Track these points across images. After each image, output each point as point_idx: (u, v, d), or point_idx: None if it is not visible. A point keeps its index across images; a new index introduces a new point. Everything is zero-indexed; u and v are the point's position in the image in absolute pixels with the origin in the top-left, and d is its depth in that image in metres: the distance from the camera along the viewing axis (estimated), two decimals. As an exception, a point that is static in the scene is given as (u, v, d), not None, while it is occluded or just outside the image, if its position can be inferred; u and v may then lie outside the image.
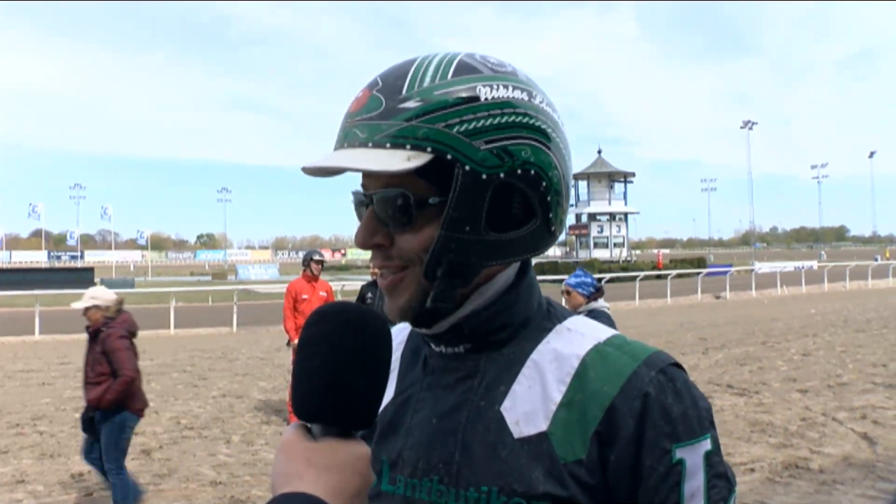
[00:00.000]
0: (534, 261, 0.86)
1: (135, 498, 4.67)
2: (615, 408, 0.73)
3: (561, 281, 4.93)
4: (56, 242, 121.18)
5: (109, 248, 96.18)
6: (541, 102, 0.79)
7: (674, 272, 32.74)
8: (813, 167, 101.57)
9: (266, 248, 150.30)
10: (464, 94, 0.74)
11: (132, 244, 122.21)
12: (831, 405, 7.60)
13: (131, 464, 5.76)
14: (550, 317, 0.84)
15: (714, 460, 0.74)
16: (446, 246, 0.75)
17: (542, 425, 0.75)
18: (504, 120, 0.75)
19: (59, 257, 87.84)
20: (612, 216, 56.07)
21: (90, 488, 5.38)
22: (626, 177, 57.31)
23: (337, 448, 0.63)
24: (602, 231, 55.85)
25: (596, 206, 55.88)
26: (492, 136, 0.74)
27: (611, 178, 56.51)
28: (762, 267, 39.76)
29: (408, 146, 0.73)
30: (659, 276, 33.63)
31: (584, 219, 55.49)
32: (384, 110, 0.74)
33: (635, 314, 20.32)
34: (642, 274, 31.49)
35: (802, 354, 11.34)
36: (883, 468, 5.44)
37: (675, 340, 13.54)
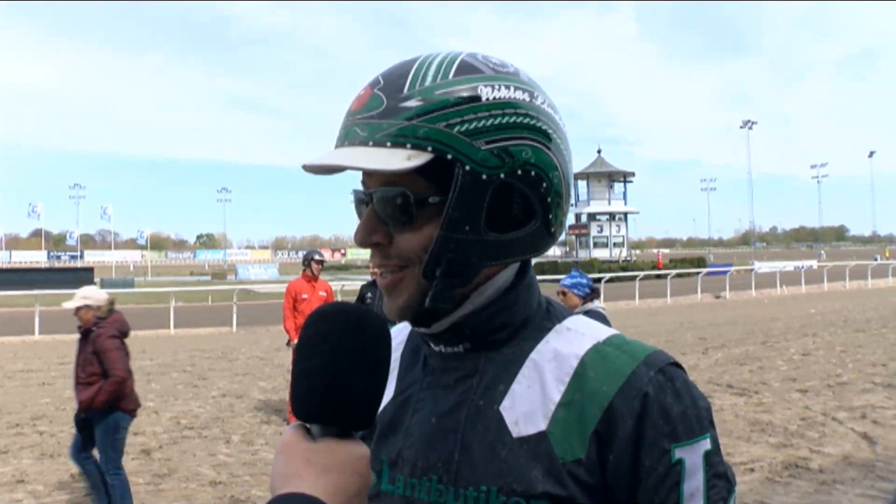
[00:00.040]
0: (533, 260, 0.86)
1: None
2: (614, 407, 0.73)
3: (560, 281, 4.94)
4: (56, 242, 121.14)
5: (109, 248, 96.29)
6: (542, 103, 0.79)
7: (674, 272, 32.76)
8: (813, 167, 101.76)
9: (266, 247, 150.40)
10: (465, 94, 0.74)
11: (132, 244, 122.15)
12: (831, 405, 7.60)
13: (131, 464, 5.77)
14: (550, 316, 0.84)
15: (714, 460, 0.73)
16: (446, 246, 0.75)
17: (541, 425, 0.75)
18: (505, 120, 0.75)
19: (58, 257, 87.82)
20: (612, 216, 56.06)
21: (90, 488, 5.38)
22: (625, 176, 57.29)
23: (336, 448, 0.63)
24: (602, 231, 55.83)
25: (596, 206, 55.86)
26: (493, 136, 0.74)
27: (611, 177, 56.50)
28: (762, 267, 39.78)
29: (408, 145, 0.73)
30: (659, 276, 33.61)
31: (584, 218, 55.47)
32: (385, 109, 0.74)
33: (635, 314, 20.33)
34: (642, 274, 31.51)
35: (802, 354, 11.34)
36: (883, 468, 5.44)
37: (674, 340, 13.55)
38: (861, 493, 4.91)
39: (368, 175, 0.79)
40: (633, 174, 58.25)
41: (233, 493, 5.23)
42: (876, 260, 46.84)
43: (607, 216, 55.98)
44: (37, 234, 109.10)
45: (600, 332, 0.81)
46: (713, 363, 10.69)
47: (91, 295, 4.75)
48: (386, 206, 0.76)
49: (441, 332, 0.82)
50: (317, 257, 7.60)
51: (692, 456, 0.72)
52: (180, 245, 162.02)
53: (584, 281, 4.75)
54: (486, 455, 0.76)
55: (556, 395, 0.76)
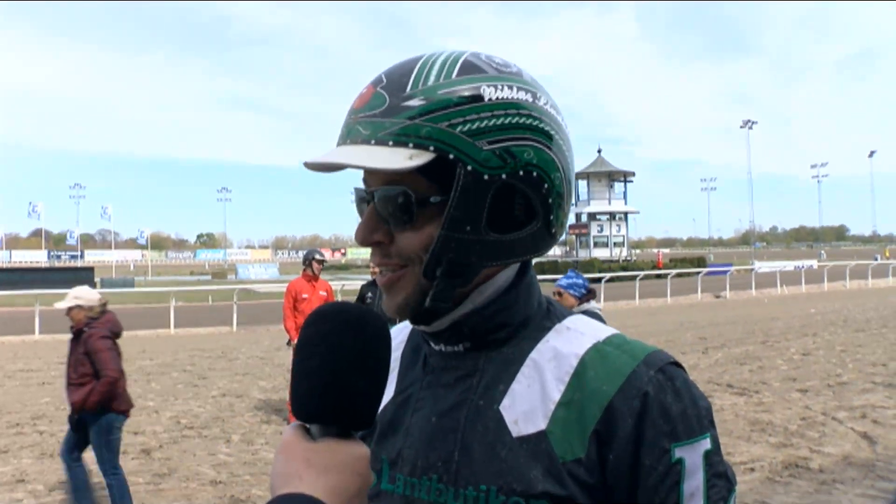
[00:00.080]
0: (534, 260, 0.86)
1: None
2: (614, 407, 0.73)
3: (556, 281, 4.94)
4: (56, 242, 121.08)
5: (109, 247, 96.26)
6: (545, 104, 0.79)
7: (674, 271, 32.75)
8: (813, 167, 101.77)
9: (266, 247, 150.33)
10: (468, 94, 0.74)
11: (132, 244, 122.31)
12: (831, 404, 7.60)
13: (131, 463, 5.77)
14: (550, 316, 0.84)
15: (714, 459, 0.73)
16: (446, 245, 0.75)
17: (540, 424, 0.75)
18: (508, 121, 0.75)
19: (58, 257, 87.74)
20: (612, 215, 56.00)
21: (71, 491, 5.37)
22: (625, 176, 57.23)
23: (336, 448, 0.62)
24: (602, 230, 55.77)
25: (596, 206, 55.80)
26: (495, 136, 0.74)
27: (611, 177, 56.44)
28: (762, 266, 39.74)
29: (410, 144, 0.73)
30: (659, 276, 33.60)
31: (584, 218, 55.40)
32: (388, 108, 0.74)
33: (635, 313, 20.30)
34: (642, 273, 31.52)
35: (802, 354, 11.34)
36: (883, 467, 5.44)
37: (674, 340, 13.55)
38: (861, 493, 4.91)
39: (370, 174, 0.78)
40: (633, 174, 58.19)
41: (233, 493, 5.23)
42: (876, 260, 46.83)
43: (607, 216, 55.92)
44: (37, 233, 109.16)
45: (600, 331, 0.81)
46: (713, 363, 10.69)
47: (83, 295, 4.71)
48: (387, 205, 0.76)
49: (441, 331, 0.82)
50: (317, 257, 7.60)
51: (692, 455, 0.72)
52: (180, 245, 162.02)
53: (580, 281, 4.75)
54: (486, 454, 0.76)
55: (556, 394, 0.76)
